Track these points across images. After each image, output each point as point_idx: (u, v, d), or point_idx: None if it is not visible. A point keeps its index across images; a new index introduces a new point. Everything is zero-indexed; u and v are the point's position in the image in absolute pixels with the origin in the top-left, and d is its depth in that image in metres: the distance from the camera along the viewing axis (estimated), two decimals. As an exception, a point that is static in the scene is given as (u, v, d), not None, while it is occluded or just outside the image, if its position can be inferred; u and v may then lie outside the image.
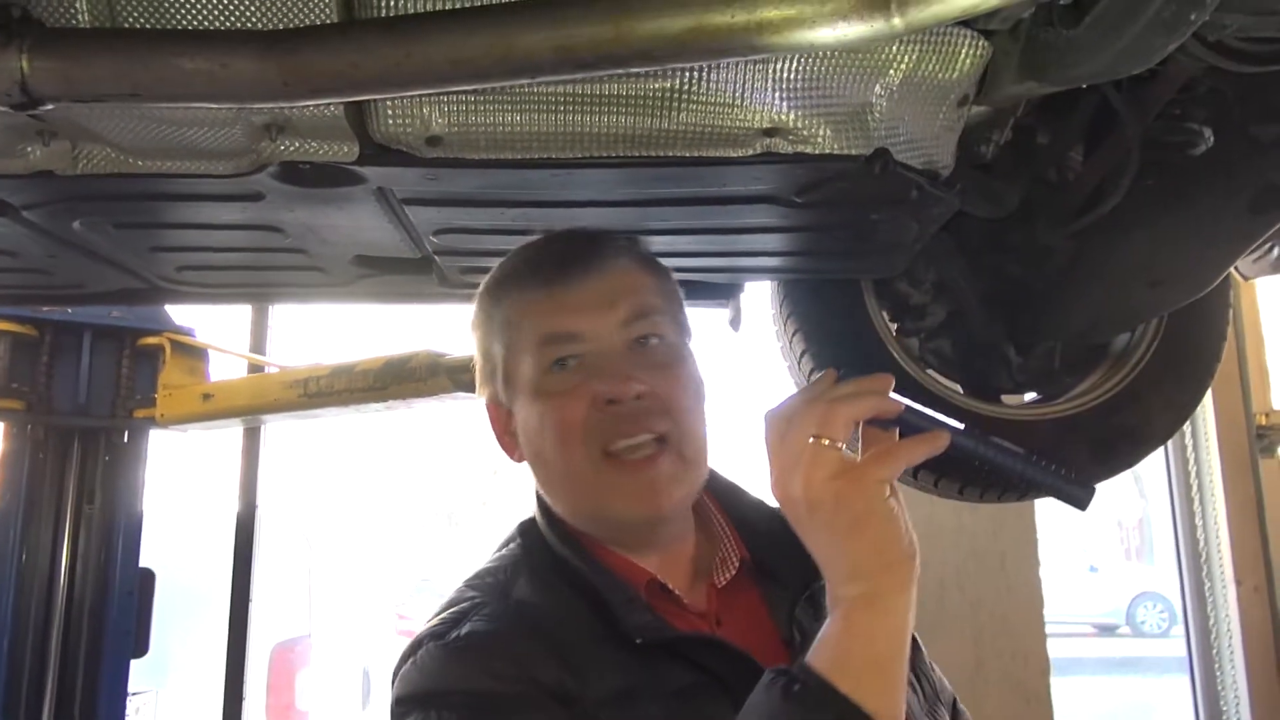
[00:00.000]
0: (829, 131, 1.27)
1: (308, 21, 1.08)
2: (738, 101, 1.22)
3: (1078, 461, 1.93)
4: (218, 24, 1.08)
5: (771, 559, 1.19)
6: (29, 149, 1.27)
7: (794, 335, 1.97)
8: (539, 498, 1.23)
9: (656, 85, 1.20)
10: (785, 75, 1.19)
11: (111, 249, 1.63)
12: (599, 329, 1.14)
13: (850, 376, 1.04)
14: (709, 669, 1.05)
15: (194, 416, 2.96)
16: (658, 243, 1.65)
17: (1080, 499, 1.03)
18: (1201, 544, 4.46)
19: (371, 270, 1.77)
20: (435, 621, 1.10)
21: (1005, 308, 1.93)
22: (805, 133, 1.26)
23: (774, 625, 1.16)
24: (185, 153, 1.27)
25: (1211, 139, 1.59)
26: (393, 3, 1.09)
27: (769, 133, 1.25)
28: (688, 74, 1.18)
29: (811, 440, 0.96)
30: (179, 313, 3.17)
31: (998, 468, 1.04)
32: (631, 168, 1.29)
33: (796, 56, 1.17)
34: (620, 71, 1.08)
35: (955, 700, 1.31)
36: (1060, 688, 4.01)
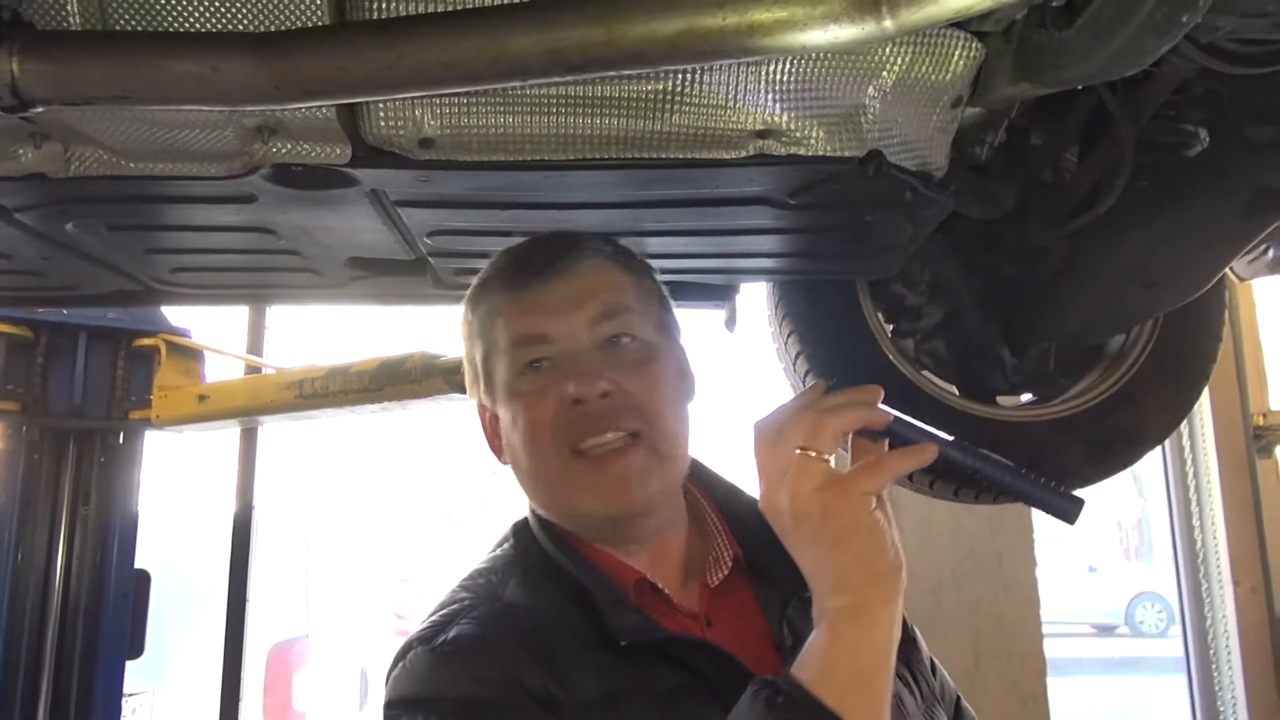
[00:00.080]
0: (822, 133, 1.26)
1: (299, 24, 1.08)
2: (731, 103, 1.22)
3: (1073, 462, 1.93)
4: (209, 26, 1.08)
5: (765, 558, 1.18)
6: (21, 151, 1.26)
7: (789, 337, 1.97)
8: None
9: (649, 87, 1.20)
10: (778, 77, 1.19)
11: (105, 251, 1.63)
12: (568, 329, 1.15)
13: (840, 387, 1.04)
14: (697, 671, 1.05)
15: (189, 418, 2.95)
16: (652, 244, 1.65)
17: (1068, 513, 1.02)
18: (1199, 545, 4.47)
19: (366, 272, 1.77)
20: (425, 624, 1.11)
21: (1000, 309, 1.93)
22: (798, 134, 1.26)
23: (766, 625, 1.16)
24: (177, 155, 1.27)
25: (1207, 140, 1.59)
26: (385, 5, 1.09)
27: (762, 134, 1.25)
28: (680, 76, 1.18)
29: (799, 452, 0.96)
30: (175, 314, 3.17)
31: (986, 480, 1.04)
32: (625, 169, 1.29)
33: (789, 58, 1.17)
34: (612, 74, 1.08)
35: (959, 699, 1.31)
36: (1059, 688, 4.01)
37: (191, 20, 1.08)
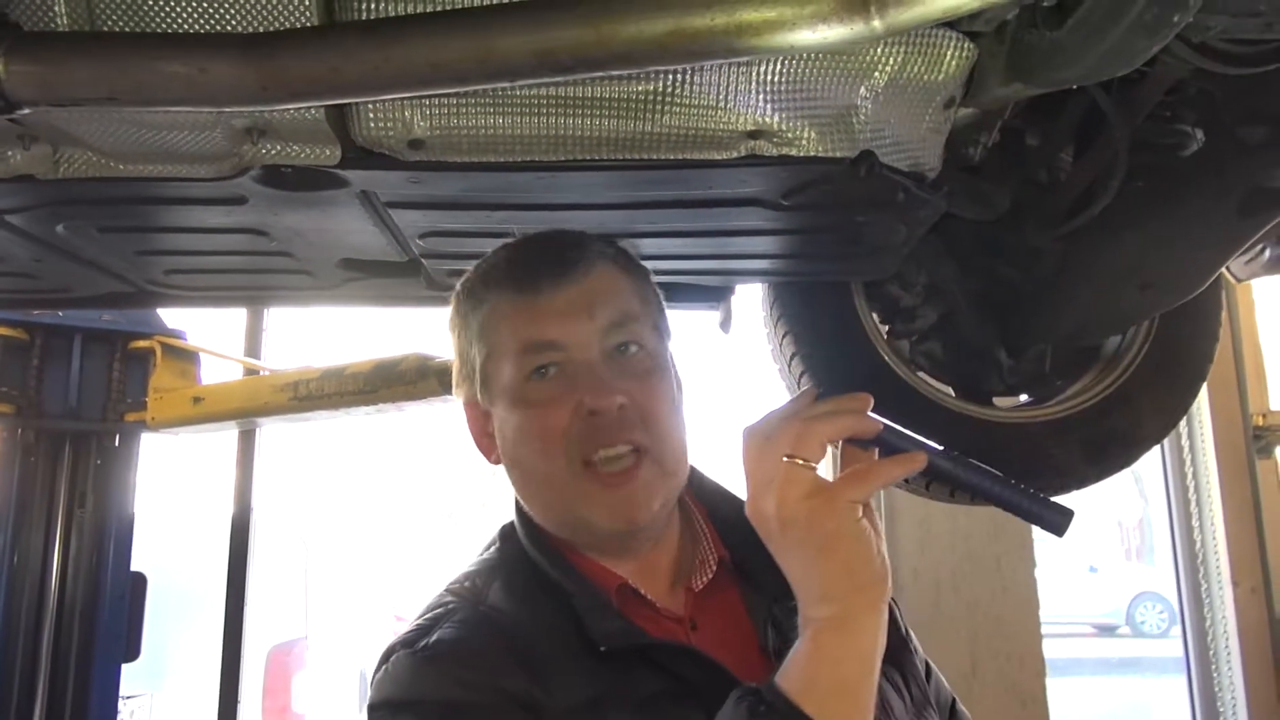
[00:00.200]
0: (814, 134, 1.26)
1: (288, 25, 1.08)
2: (722, 104, 1.21)
3: (1070, 463, 1.92)
4: (197, 27, 1.08)
5: (752, 561, 1.18)
6: (9, 153, 1.26)
7: (784, 338, 1.96)
8: (517, 503, 1.22)
9: (640, 88, 1.19)
10: (769, 78, 1.19)
11: (97, 253, 1.62)
12: (579, 337, 1.14)
13: (830, 395, 1.04)
14: (680, 676, 1.05)
15: (185, 420, 2.95)
16: (646, 245, 1.65)
17: (1057, 524, 1.02)
18: (1198, 545, 4.46)
19: (359, 273, 1.76)
20: (410, 628, 1.11)
21: (995, 310, 1.93)
22: (790, 135, 1.25)
23: (752, 627, 1.16)
24: (166, 156, 1.26)
25: (1201, 140, 1.59)
26: (373, 6, 1.08)
27: (753, 135, 1.25)
28: (671, 77, 1.18)
29: (786, 459, 0.96)
30: (171, 316, 3.17)
31: (975, 490, 1.04)
32: (616, 170, 1.29)
33: (780, 59, 1.17)
34: (600, 74, 1.08)
35: (955, 702, 1.30)
36: (1059, 688, 4.01)
37: (179, 21, 1.07)
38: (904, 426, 1.08)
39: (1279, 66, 1.25)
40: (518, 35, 0.96)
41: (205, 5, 1.06)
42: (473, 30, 0.97)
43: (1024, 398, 2.09)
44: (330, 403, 2.66)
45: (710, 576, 1.19)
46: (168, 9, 1.07)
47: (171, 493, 5.56)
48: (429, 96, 1.18)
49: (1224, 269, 1.79)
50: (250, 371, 3.31)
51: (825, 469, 1.01)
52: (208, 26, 1.08)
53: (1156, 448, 2.05)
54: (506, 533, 1.24)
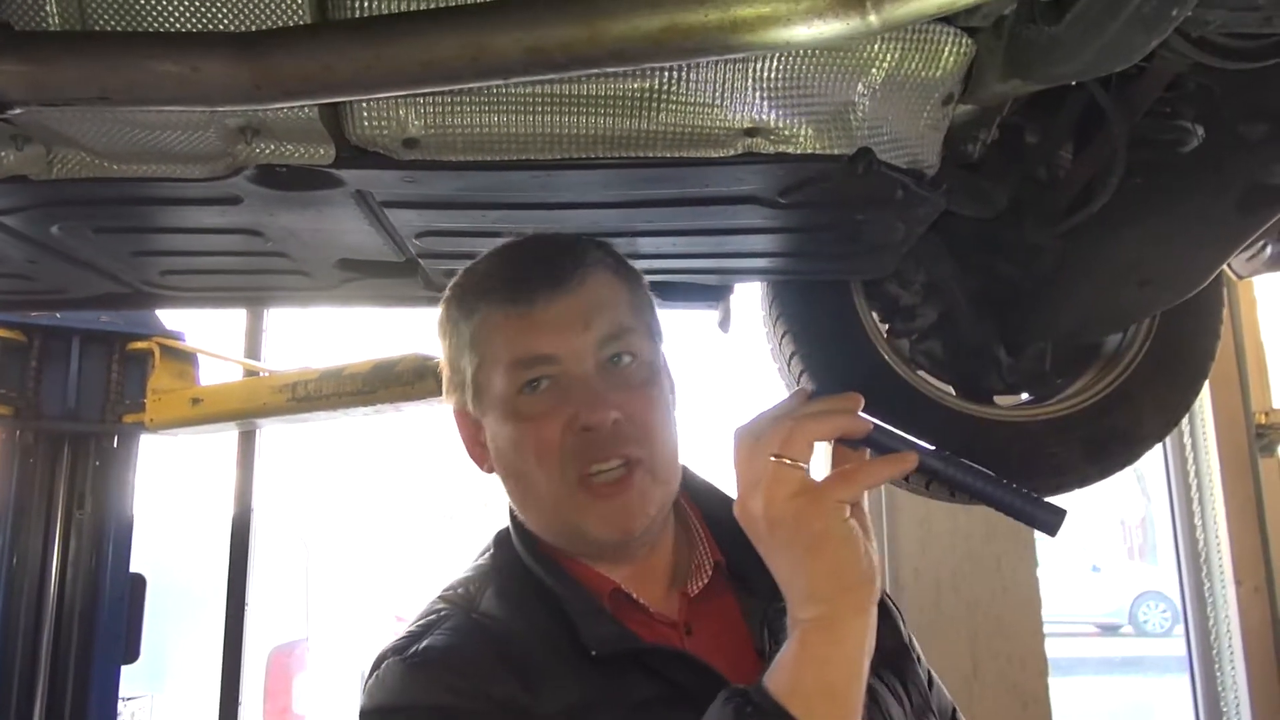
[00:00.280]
0: (811, 131, 1.25)
1: (281, 23, 1.07)
2: (718, 101, 1.20)
3: (1070, 462, 1.91)
4: (190, 26, 1.07)
5: (747, 564, 1.17)
6: (2, 153, 1.25)
7: (783, 337, 1.96)
8: (511, 509, 1.22)
9: (636, 85, 1.18)
10: (765, 74, 1.18)
11: (92, 254, 1.62)
12: (573, 350, 1.12)
13: (821, 395, 1.03)
14: (674, 681, 1.05)
15: (183, 421, 2.95)
16: (644, 244, 1.64)
17: (1049, 524, 1.01)
18: (1201, 544, 4.45)
19: (356, 274, 1.75)
20: (401, 635, 1.11)
21: (995, 308, 1.92)
22: (787, 133, 1.25)
23: (747, 631, 1.15)
24: (160, 156, 1.26)
25: (1201, 136, 1.58)
26: (366, 4, 1.07)
27: (750, 133, 1.24)
28: (667, 74, 1.17)
29: (774, 459, 0.95)
30: (170, 317, 3.17)
31: (966, 489, 1.03)
32: (612, 169, 1.28)
33: (776, 55, 1.16)
34: (594, 72, 1.07)
35: (955, 711, 1.29)
36: (1062, 688, 4.00)
37: (171, 20, 1.07)
38: (905, 426, 1.07)
39: (1279, 61, 1.24)
40: (510, 32, 0.95)
41: (197, 4, 1.06)
42: (465, 28, 0.96)
43: (1024, 396, 2.08)
44: (328, 404, 2.66)
45: (706, 581, 1.19)
46: (160, 7, 1.06)
47: (173, 494, 5.57)
48: (423, 95, 1.17)
49: (1225, 266, 1.78)
50: (249, 373, 3.31)
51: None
52: (200, 25, 1.07)
53: (1158, 446, 2.04)
54: (501, 539, 1.24)
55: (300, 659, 5.65)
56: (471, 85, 1.09)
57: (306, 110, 1.16)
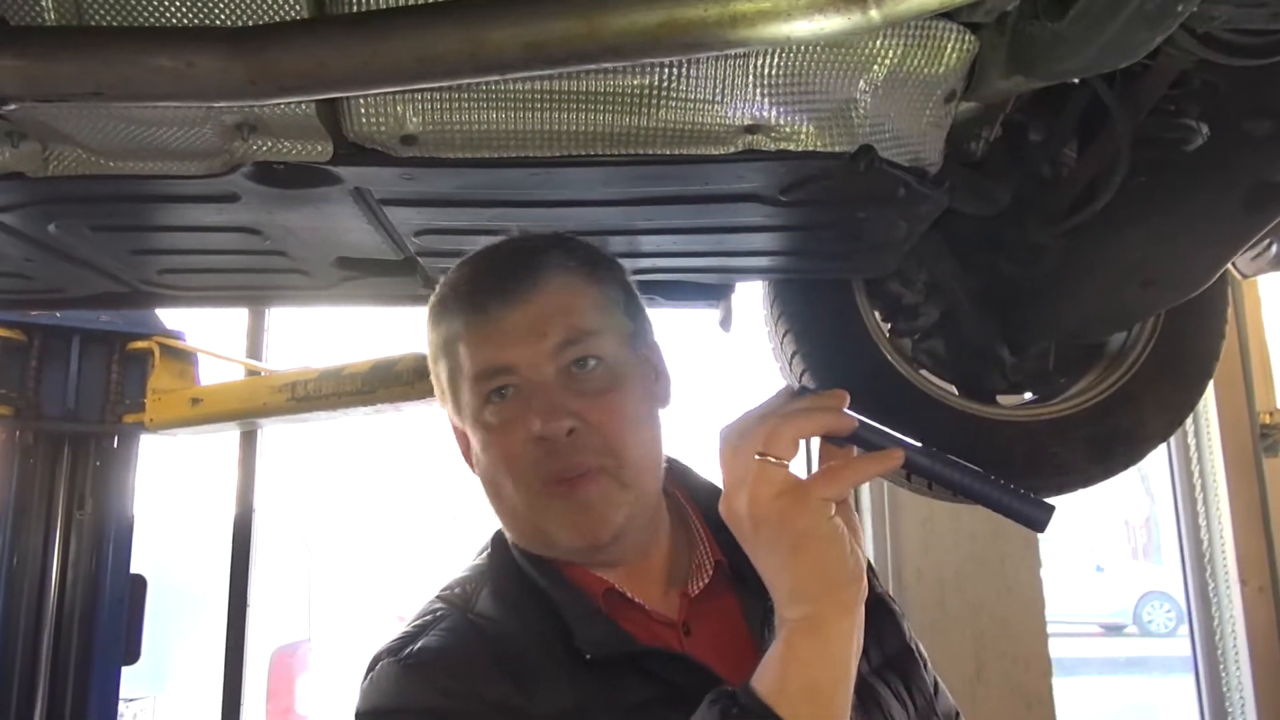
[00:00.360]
0: (812, 128, 1.24)
1: (278, 18, 1.06)
2: (718, 98, 1.20)
3: (1074, 462, 1.90)
4: (185, 21, 1.07)
5: (747, 564, 1.16)
6: (-2, 150, 1.25)
7: (785, 336, 1.95)
8: None
9: (635, 82, 1.18)
10: (766, 71, 1.17)
11: (90, 252, 1.61)
12: (530, 359, 1.11)
13: (807, 392, 1.02)
14: (671, 682, 1.04)
15: (183, 421, 2.94)
16: (645, 243, 1.63)
17: (1038, 520, 0.99)
18: (1205, 544, 4.43)
19: (355, 272, 1.75)
20: (396, 636, 1.10)
21: (998, 307, 1.91)
22: (788, 130, 1.24)
23: (749, 631, 1.14)
24: (157, 153, 1.25)
25: (1206, 134, 1.57)
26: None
27: (750, 130, 1.23)
28: (666, 70, 1.16)
29: (758, 457, 0.94)
30: (171, 316, 3.16)
31: (953, 486, 1.01)
32: (612, 166, 1.27)
33: (777, 51, 1.15)
34: (592, 67, 1.06)
35: (958, 715, 1.28)
36: (1066, 688, 3.99)
37: (167, 15, 1.06)
38: (907, 426, 1.06)
39: (1285, 57, 1.23)
40: (507, 28, 0.94)
41: (193, -1, 1.05)
42: (462, 23, 0.96)
43: (1028, 396, 2.07)
44: (328, 403, 2.65)
45: (706, 581, 1.17)
46: (155, 2, 1.05)
47: (174, 494, 5.56)
48: (421, 91, 1.16)
49: (1230, 265, 1.77)
50: (250, 373, 3.30)
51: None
52: (195, 20, 1.06)
53: (1162, 446, 2.03)
54: (497, 539, 1.23)
55: (303, 659, 5.64)
56: (470, 81, 1.08)
57: (304, 106, 1.16)
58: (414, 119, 1.19)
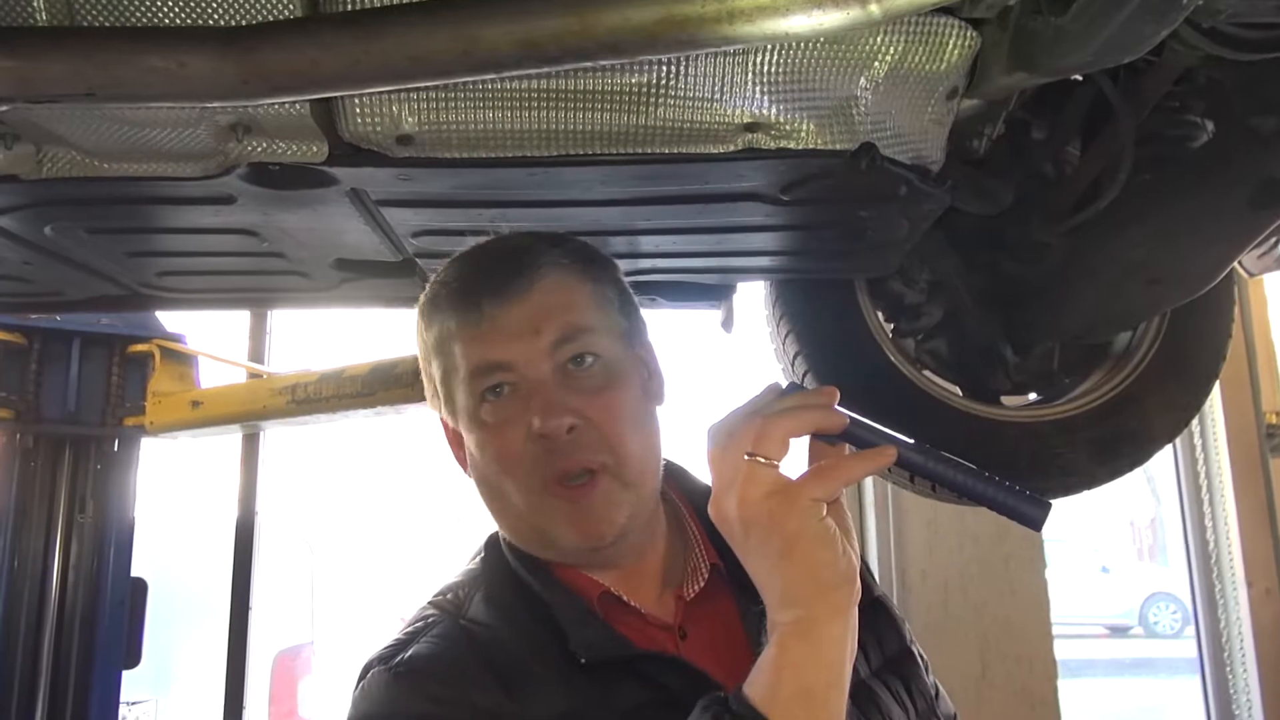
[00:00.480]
0: (812, 126, 1.23)
1: (270, 17, 1.06)
2: (717, 96, 1.19)
3: (1079, 463, 1.89)
4: (178, 21, 1.06)
5: (741, 566, 1.15)
6: (-9, 153, 1.24)
7: (787, 336, 1.93)
8: None
9: (633, 80, 1.17)
10: (765, 68, 1.16)
11: (87, 255, 1.60)
12: (527, 356, 1.09)
13: (796, 389, 1.00)
14: (666, 686, 1.02)
15: (184, 423, 2.93)
16: (645, 243, 1.62)
17: (1034, 518, 0.97)
18: (1212, 545, 4.42)
19: (353, 274, 1.74)
20: (388, 643, 1.09)
21: (1001, 307, 1.90)
22: (788, 128, 1.23)
23: (745, 635, 1.12)
24: (151, 155, 1.24)
25: (1212, 131, 1.55)
26: (357, -2, 1.06)
27: (750, 128, 1.22)
28: (665, 68, 1.15)
29: (747, 457, 0.92)
30: (171, 319, 3.15)
31: (948, 484, 0.99)
32: (610, 165, 1.26)
33: (776, 48, 1.14)
34: (588, 65, 1.05)
35: (955, 718, 1.27)
36: (1071, 690, 3.97)
37: (159, 15, 1.05)
38: (909, 427, 1.04)
39: (1292, 53, 1.22)
40: (500, 25, 0.93)
41: (185, -1, 1.04)
42: (454, 21, 0.95)
43: (1032, 396, 2.06)
44: (329, 405, 2.64)
45: (702, 585, 1.16)
46: (147, 2, 1.05)
47: (177, 497, 5.56)
48: (417, 90, 1.16)
49: (1236, 263, 1.76)
50: (251, 375, 3.29)
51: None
52: (187, 20, 1.05)
53: (1168, 446, 2.01)
54: (490, 542, 1.22)
55: (305, 662, 5.63)
56: (463, 80, 1.07)
57: (298, 106, 1.15)
58: (410, 119, 1.19)
